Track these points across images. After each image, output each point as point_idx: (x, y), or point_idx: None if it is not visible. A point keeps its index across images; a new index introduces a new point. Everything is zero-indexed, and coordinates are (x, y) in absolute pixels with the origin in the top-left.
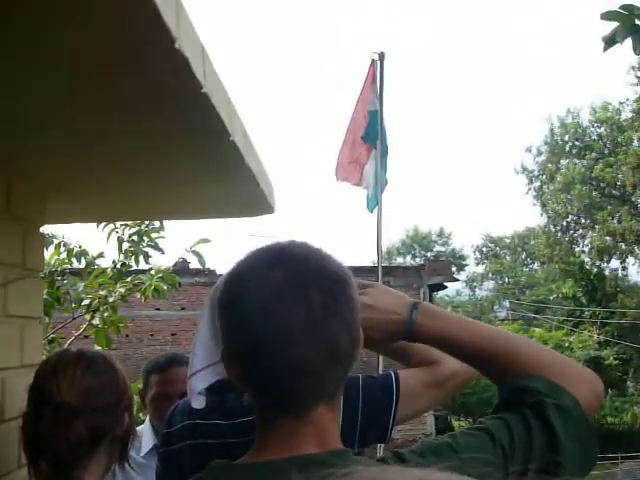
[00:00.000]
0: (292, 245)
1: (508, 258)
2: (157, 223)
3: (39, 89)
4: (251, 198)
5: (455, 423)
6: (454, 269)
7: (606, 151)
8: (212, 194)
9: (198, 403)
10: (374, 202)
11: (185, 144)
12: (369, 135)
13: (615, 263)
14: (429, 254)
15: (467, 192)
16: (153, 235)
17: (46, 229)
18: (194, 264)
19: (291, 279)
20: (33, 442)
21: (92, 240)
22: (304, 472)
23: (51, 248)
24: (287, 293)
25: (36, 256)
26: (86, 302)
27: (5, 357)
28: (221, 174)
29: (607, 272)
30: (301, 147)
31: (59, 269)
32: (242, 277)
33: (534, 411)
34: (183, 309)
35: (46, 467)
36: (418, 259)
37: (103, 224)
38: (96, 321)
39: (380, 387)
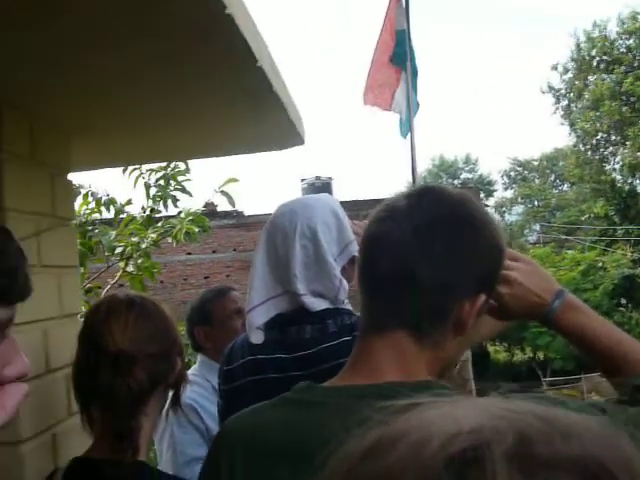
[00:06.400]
0: (441, 187)
1: (537, 181)
2: (183, 166)
3: (57, 27)
4: (280, 129)
5: (490, 348)
6: (482, 195)
7: (636, 64)
8: (240, 126)
9: (257, 338)
10: (407, 127)
11: (210, 72)
12: (398, 56)
13: None
14: (456, 182)
15: (492, 116)
16: (180, 178)
17: (73, 179)
18: (222, 207)
19: (411, 205)
20: (87, 391)
21: (119, 188)
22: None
23: (79, 199)
24: (399, 214)
25: (66, 204)
26: (119, 250)
27: (45, 308)
28: (248, 103)
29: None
30: (325, 72)
31: (89, 219)
32: (387, 201)
33: None
34: (214, 252)
35: (101, 415)
36: None
37: (129, 170)
38: (130, 268)
39: None
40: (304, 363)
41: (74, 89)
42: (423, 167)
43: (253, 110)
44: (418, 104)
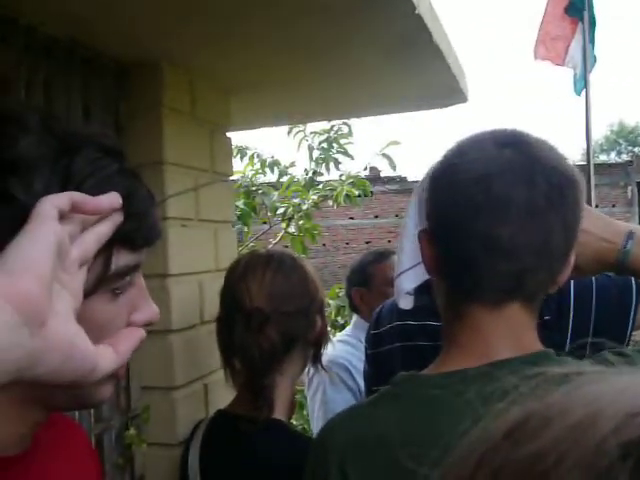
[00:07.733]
0: (526, 132)
1: None
2: (345, 129)
3: None
4: (441, 84)
5: None
6: None
7: None
8: (399, 80)
9: (406, 303)
10: (582, 84)
11: (367, 20)
12: (574, 6)
13: None
14: (637, 149)
15: None
16: (342, 141)
17: (240, 140)
18: (385, 172)
19: (520, 160)
20: (228, 346)
21: (283, 151)
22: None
23: (245, 159)
24: (512, 171)
25: (225, 160)
26: (281, 211)
27: (201, 261)
28: (407, 54)
29: None
30: (492, 23)
31: (254, 180)
32: (463, 149)
33: None
34: (376, 217)
35: (241, 371)
36: (624, 156)
37: (294, 132)
38: (292, 229)
39: (618, 287)
40: None
41: (232, 45)
42: (600, 133)
43: (412, 62)
44: (595, 58)
